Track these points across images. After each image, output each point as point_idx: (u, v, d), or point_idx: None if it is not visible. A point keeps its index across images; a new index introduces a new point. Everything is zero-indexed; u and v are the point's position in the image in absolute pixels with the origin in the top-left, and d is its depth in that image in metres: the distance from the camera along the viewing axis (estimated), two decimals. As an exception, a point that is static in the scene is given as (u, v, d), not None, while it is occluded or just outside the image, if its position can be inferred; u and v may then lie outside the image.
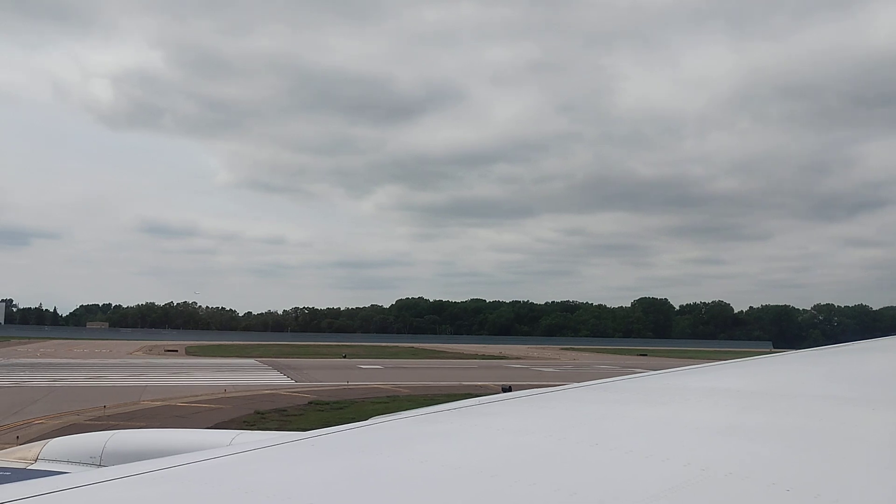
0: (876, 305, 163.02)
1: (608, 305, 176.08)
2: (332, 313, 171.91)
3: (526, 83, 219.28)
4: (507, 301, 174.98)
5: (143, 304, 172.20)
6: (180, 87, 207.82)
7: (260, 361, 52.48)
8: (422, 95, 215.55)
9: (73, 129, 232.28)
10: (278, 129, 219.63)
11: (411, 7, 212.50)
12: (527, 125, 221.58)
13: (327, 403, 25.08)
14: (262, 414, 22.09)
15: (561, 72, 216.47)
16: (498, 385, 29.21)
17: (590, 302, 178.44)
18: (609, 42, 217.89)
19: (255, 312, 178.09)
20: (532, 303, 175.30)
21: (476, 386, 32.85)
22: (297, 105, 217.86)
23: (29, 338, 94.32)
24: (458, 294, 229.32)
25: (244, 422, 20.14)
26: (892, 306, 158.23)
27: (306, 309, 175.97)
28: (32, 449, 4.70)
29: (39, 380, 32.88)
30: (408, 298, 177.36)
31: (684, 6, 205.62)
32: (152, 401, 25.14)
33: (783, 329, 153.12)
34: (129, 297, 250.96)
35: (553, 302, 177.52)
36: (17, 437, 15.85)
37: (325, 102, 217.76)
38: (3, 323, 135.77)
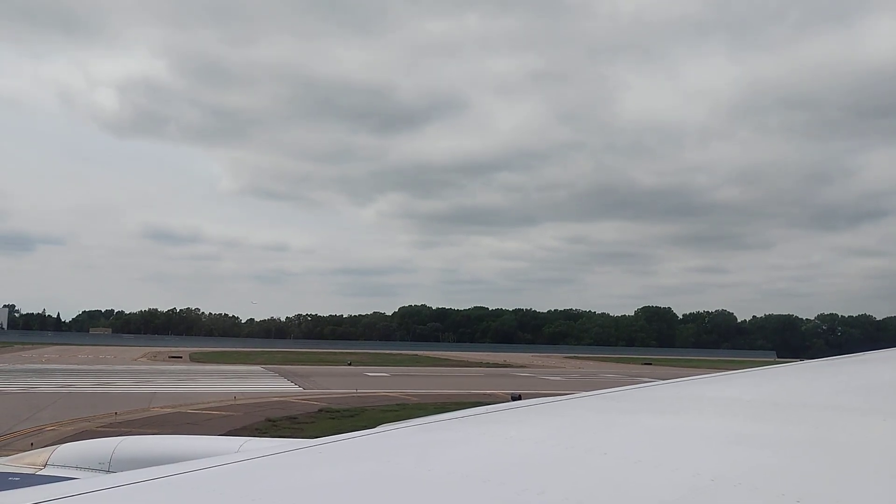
0: (879, 315, 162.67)
1: (611, 314, 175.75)
2: (335, 320, 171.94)
3: (529, 93, 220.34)
4: (510, 309, 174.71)
5: (146, 310, 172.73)
6: (184, 96, 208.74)
7: (266, 368, 52.54)
8: (425, 104, 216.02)
9: (78, 136, 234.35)
10: (281, 137, 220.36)
11: (415, 18, 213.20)
12: (529, 134, 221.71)
13: (338, 411, 25.07)
14: (274, 421, 22.11)
15: (563, 82, 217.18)
16: (506, 393, 29.14)
17: (593, 310, 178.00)
18: (611, 53, 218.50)
19: (257, 319, 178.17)
20: (535, 311, 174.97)
21: (484, 394, 32.78)
22: (301, 113, 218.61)
23: (31, 343, 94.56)
24: (460, 302, 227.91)
25: (256, 429, 20.11)
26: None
27: (309, 316, 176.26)
28: (41, 454, 4.70)
29: (47, 386, 32.93)
30: (410, 306, 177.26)
31: (685, 18, 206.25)
32: (162, 407, 25.20)
33: (787, 338, 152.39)
34: (131, 303, 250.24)
35: (556, 310, 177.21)
36: (32, 443, 15.81)
37: (328, 111, 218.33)
38: (5, 328, 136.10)
